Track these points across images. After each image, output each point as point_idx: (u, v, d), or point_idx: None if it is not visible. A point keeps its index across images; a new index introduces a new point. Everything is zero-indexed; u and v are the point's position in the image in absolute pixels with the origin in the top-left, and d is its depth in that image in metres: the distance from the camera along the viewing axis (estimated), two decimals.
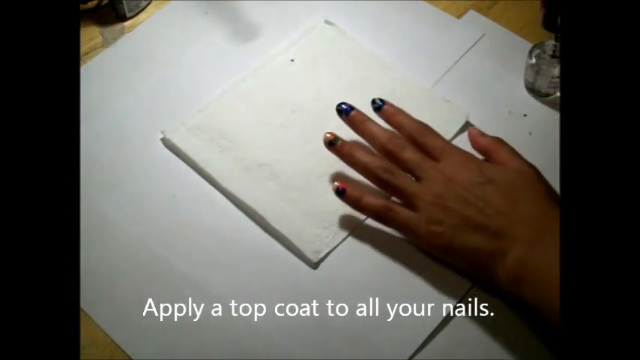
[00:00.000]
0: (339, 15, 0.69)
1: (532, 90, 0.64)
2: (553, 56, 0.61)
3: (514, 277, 0.49)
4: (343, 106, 0.58)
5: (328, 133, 0.57)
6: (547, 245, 0.48)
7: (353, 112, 0.58)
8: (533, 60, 0.62)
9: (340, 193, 0.55)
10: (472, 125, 0.62)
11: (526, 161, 0.54)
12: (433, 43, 0.68)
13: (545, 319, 0.48)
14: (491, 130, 0.61)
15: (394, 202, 0.55)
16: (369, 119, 0.58)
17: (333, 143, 0.57)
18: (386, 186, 0.55)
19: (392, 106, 0.59)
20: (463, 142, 0.59)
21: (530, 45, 0.63)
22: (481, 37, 0.67)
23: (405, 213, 0.54)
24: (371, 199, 0.55)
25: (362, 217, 0.57)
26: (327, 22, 0.69)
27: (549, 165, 0.59)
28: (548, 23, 0.59)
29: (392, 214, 0.54)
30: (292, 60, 0.66)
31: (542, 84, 0.62)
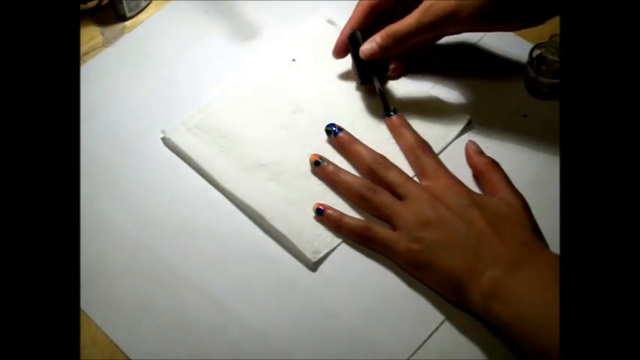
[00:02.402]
0: (341, 14, 0.69)
1: (532, 91, 0.64)
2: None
3: (488, 294, 0.48)
4: (332, 127, 0.60)
5: (313, 153, 0.58)
6: (526, 271, 0.48)
7: (341, 134, 0.59)
8: (534, 60, 0.62)
9: (319, 212, 0.56)
10: (473, 126, 0.61)
11: (516, 191, 0.54)
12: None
13: (514, 340, 0.48)
14: (491, 130, 0.61)
15: (375, 222, 0.55)
16: (357, 141, 0.59)
17: (318, 163, 0.58)
18: (368, 205, 0.55)
19: (400, 117, 0.60)
20: (463, 144, 0.59)
21: (530, 45, 0.63)
22: (482, 38, 0.67)
23: (383, 231, 0.54)
24: (350, 219, 0.55)
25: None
26: (330, 21, 0.69)
27: (549, 165, 0.59)
28: (364, 78, 0.62)
29: (371, 233, 0.54)
30: (293, 60, 0.66)
31: (542, 85, 0.62)
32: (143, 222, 0.57)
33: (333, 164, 0.58)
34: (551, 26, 0.60)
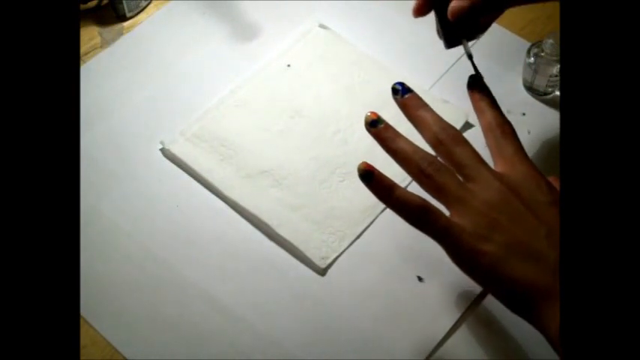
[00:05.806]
0: (337, 16, 0.69)
1: (530, 89, 0.64)
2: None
3: None
4: (400, 86, 0.50)
5: (370, 112, 0.48)
6: None
7: (409, 96, 0.49)
8: (532, 59, 0.62)
9: (366, 177, 0.46)
10: (472, 125, 0.62)
11: None
12: (431, 43, 0.68)
13: None
14: None
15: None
16: (427, 106, 0.49)
17: (374, 124, 0.48)
18: (427, 182, 0.46)
19: (482, 92, 0.52)
20: None
21: (528, 44, 0.64)
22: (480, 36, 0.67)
23: (445, 219, 0.45)
24: (405, 193, 0.45)
25: (369, 219, 0.57)
26: (322, 26, 0.69)
27: (548, 163, 0.59)
28: (450, 40, 0.54)
29: (430, 217, 0.45)
30: (288, 65, 0.66)
31: (541, 83, 0.63)
32: (148, 233, 0.57)
33: (392, 128, 0.48)
34: (551, 26, 0.61)
